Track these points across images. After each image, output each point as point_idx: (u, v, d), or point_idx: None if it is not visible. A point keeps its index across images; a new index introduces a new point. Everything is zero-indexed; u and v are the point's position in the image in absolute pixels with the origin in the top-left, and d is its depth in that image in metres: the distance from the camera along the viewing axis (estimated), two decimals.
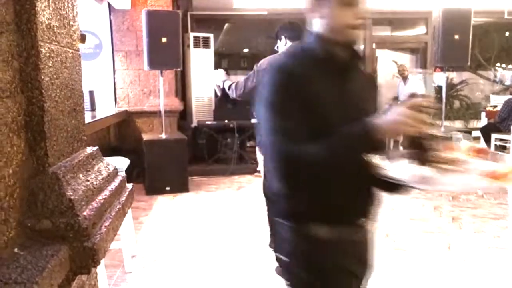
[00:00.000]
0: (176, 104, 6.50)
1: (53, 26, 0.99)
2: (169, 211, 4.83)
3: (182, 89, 7.60)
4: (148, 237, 4.02)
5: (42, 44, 0.92)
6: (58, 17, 1.02)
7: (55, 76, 0.99)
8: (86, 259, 0.88)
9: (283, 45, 3.29)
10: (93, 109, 5.74)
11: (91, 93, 5.80)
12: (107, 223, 0.98)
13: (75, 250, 0.87)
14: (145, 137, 5.65)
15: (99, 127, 5.22)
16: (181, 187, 5.53)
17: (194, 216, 4.65)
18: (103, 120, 5.25)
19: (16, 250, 0.82)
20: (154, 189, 5.43)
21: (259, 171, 6.25)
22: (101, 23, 6.20)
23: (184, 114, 7.36)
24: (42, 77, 0.92)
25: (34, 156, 0.92)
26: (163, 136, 5.61)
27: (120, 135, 6.40)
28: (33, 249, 0.82)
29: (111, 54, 6.28)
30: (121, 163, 3.33)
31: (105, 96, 6.30)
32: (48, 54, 0.95)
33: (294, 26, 3.19)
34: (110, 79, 6.34)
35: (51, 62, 0.97)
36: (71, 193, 0.92)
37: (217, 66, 8.57)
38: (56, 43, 1.00)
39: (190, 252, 3.68)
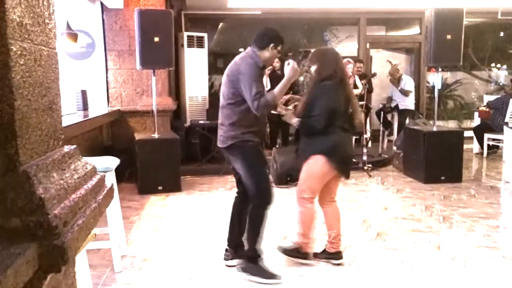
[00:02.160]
0: (169, 103, 6.49)
1: (26, 24, 0.99)
2: (161, 210, 4.83)
3: (176, 88, 7.60)
4: (139, 237, 4.01)
5: (12, 42, 0.92)
6: (31, 14, 1.02)
7: (27, 74, 0.98)
8: (56, 257, 0.87)
9: None
10: (85, 108, 5.72)
11: (84, 93, 5.79)
12: (80, 222, 0.98)
13: (44, 249, 0.87)
14: (138, 136, 5.64)
15: (91, 127, 5.21)
16: (174, 186, 5.53)
17: (186, 216, 4.65)
18: (95, 120, 5.24)
19: None
20: (147, 189, 5.42)
21: None
22: (93, 22, 6.19)
23: (178, 114, 7.36)
24: (13, 75, 0.91)
25: (4, 154, 0.91)
26: (156, 135, 5.60)
27: (113, 134, 6.39)
28: (0, 248, 0.82)
29: (103, 53, 6.27)
30: (111, 162, 3.32)
31: (98, 95, 6.29)
32: (19, 52, 0.95)
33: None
34: (103, 79, 6.33)
35: (23, 60, 0.96)
36: (42, 192, 0.91)
37: (211, 65, 8.58)
38: (29, 41, 1.00)
39: (181, 252, 3.68)
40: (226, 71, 3.23)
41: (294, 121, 3.33)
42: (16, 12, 0.94)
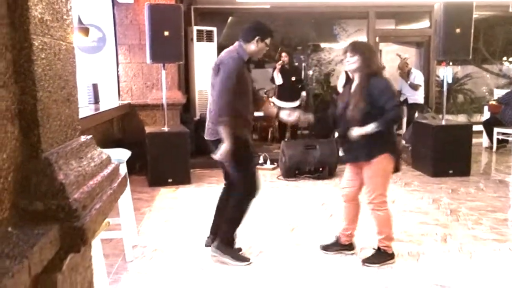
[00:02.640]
0: (178, 97, 6.56)
1: (46, 20, 1.05)
2: (171, 202, 4.91)
3: (185, 82, 7.67)
4: (149, 228, 4.10)
5: (34, 37, 0.98)
6: (51, 11, 1.08)
7: (48, 68, 1.04)
8: (76, 238, 0.94)
9: None
10: (96, 102, 5.81)
11: (95, 86, 5.88)
12: (97, 206, 1.04)
13: (65, 230, 0.93)
14: (148, 129, 5.72)
15: (102, 120, 5.30)
16: (183, 179, 5.61)
17: (196, 207, 4.72)
18: (106, 113, 5.32)
19: (9, 229, 0.88)
20: (157, 181, 5.51)
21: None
22: (104, 17, 6.27)
23: (187, 107, 7.43)
24: (35, 68, 0.97)
25: (27, 143, 0.98)
26: (166, 129, 5.67)
27: (124, 127, 6.49)
28: (25, 228, 0.89)
29: (114, 47, 6.35)
30: (123, 154, 3.39)
31: (109, 89, 6.38)
32: (41, 47, 1.01)
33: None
34: (114, 72, 6.41)
35: (44, 54, 1.02)
36: (63, 178, 0.98)
37: None
38: (49, 36, 1.06)
39: (191, 242, 3.75)
40: (212, 65, 3.30)
41: (371, 127, 3.03)
42: (38, 9, 1.00)
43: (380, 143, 3.13)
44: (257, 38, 3.23)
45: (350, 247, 3.52)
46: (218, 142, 3.24)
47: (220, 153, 3.14)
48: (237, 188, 3.38)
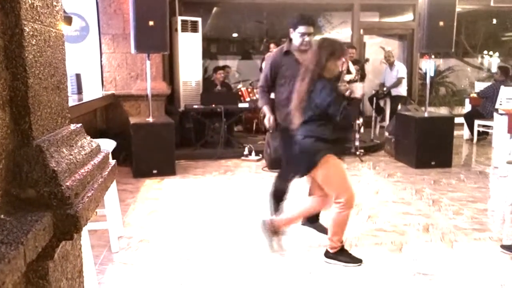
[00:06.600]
0: (163, 88, 6.52)
1: (37, 6, 1.03)
2: (156, 193, 4.89)
3: (170, 73, 7.61)
4: (135, 219, 4.08)
5: (25, 23, 0.96)
6: None
7: (38, 54, 1.03)
8: (69, 225, 0.94)
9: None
10: (79, 92, 5.73)
11: (78, 76, 5.79)
12: (89, 194, 1.04)
13: (58, 217, 0.93)
14: (132, 120, 5.67)
15: (86, 110, 5.24)
16: (168, 170, 5.59)
17: (182, 198, 4.72)
18: (89, 103, 5.26)
19: (2, 216, 0.88)
20: (141, 172, 5.48)
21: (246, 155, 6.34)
22: (87, 5, 6.17)
23: (172, 98, 7.39)
24: (26, 54, 0.96)
25: (19, 130, 0.97)
26: (150, 119, 5.63)
27: (107, 118, 6.42)
28: (18, 216, 0.88)
29: (97, 37, 6.26)
30: (107, 144, 3.36)
31: (92, 79, 6.29)
32: (31, 33, 0.99)
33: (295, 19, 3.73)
34: (97, 62, 6.33)
35: (34, 40, 1.01)
36: (55, 165, 0.97)
37: (205, 50, 8.57)
38: (39, 23, 1.05)
39: (178, 233, 3.75)
40: None
41: None
42: None
43: None
44: (290, 29, 3.67)
45: None
46: None
47: None
48: None
